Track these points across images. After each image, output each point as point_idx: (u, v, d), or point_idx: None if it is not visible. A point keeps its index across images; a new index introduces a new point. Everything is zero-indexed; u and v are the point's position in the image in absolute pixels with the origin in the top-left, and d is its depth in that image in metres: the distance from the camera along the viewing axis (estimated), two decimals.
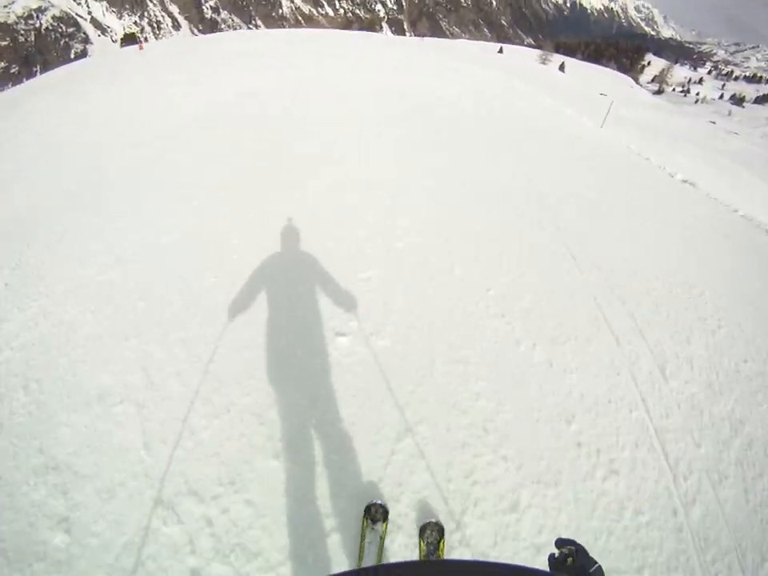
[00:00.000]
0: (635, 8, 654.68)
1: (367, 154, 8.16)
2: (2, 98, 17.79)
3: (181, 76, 16.11)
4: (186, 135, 9.19)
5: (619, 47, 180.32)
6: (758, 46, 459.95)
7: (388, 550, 2.66)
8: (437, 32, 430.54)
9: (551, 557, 1.24)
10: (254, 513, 2.69)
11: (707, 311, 5.05)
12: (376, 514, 2.74)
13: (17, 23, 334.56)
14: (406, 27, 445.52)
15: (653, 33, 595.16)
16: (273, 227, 5.44)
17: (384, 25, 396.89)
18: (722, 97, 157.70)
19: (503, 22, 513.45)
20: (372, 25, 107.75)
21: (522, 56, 66.05)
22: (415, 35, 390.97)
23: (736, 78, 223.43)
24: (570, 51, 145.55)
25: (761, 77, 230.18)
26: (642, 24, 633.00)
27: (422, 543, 2.67)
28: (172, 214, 5.79)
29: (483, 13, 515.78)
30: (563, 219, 6.57)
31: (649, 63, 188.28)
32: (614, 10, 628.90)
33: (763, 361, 4.51)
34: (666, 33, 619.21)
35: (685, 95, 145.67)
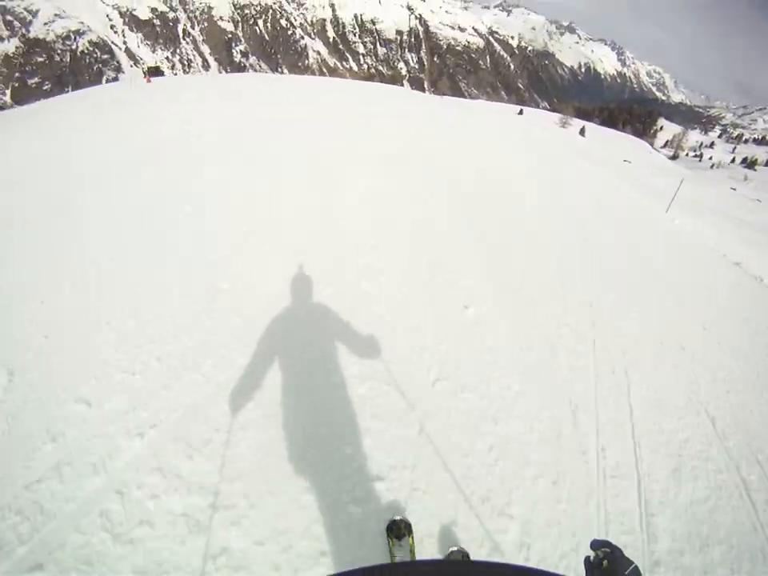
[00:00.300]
0: (647, 73, 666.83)
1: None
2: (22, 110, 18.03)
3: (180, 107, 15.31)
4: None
5: (632, 112, 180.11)
6: (765, 108, 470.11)
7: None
8: (456, 92, 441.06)
9: (587, 560, 1.22)
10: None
11: None
12: (398, 530, 2.70)
13: (54, 42, 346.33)
14: (426, 86, 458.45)
15: (663, 97, 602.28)
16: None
17: (405, 82, 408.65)
18: (733, 161, 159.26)
19: (520, 85, 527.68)
20: (394, 81, 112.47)
21: (542, 118, 65.16)
22: (434, 93, 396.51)
23: (746, 141, 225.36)
24: (585, 115, 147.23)
25: None
26: (654, 89, 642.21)
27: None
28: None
29: (501, 76, 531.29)
30: None
31: (661, 128, 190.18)
32: (627, 75, 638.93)
33: None
34: (676, 97, 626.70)
35: (699, 159, 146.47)
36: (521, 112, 67.54)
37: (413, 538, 2.69)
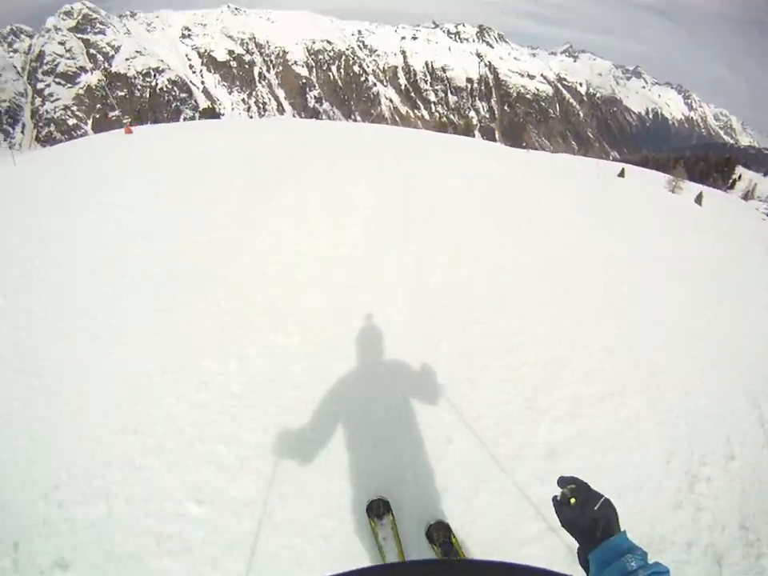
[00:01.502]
0: (714, 116, 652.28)
1: None
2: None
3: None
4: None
5: (709, 161, 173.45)
6: None
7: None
8: (525, 141, 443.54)
9: (554, 499, 1.18)
10: None
11: None
12: (378, 509, 2.78)
13: (135, 77, 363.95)
14: (497, 136, 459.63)
15: (732, 141, 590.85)
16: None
17: (476, 132, 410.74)
18: None
19: (590, 134, 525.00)
20: (467, 130, 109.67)
21: (648, 180, 55.55)
22: (508, 144, 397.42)
23: None
24: (660, 166, 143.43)
25: None
26: (721, 132, 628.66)
27: (435, 547, 2.69)
28: None
29: (571, 124, 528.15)
30: None
31: (740, 177, 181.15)
32: (694, 119, 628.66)
33: None
34: (745, 140, 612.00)
35: None
36: (622, 173, 56.98)
37: (393, 516, 2.79)
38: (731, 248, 11.84)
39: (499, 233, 7.91)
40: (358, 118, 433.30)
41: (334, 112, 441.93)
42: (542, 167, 19.99)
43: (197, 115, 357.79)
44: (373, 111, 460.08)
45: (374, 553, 2.69)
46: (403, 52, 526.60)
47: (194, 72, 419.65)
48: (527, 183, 13.54)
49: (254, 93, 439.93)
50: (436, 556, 2.63)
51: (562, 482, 1.18)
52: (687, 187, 62.31)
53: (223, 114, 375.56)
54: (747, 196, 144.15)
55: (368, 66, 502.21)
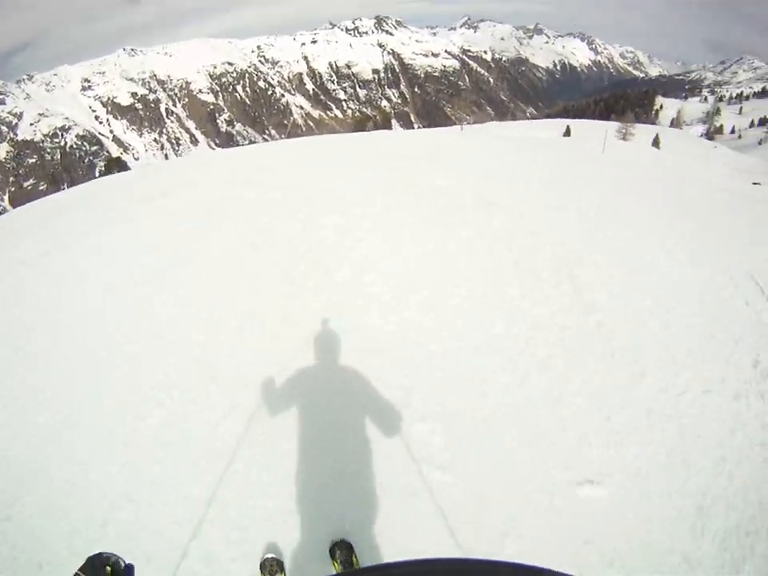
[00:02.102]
0: (620, 55, 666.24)
1: None
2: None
3: None
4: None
5: (628, 97, 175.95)
6: (741, 58, 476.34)
7: None
8: (441, 119, 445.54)
9: None
10: None
11: None
12: (273, 567, 2.75)
13: (43, 141, 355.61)
14: (413, 119, 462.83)
15: (642, 75, 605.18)
16: None
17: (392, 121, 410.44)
18: (752, 124, 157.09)
19: (503, 97, 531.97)
20: (386, 121, 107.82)
21: (594, 134, 51.74)
22: (424, 125, 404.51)
23: (747, 98, 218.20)
24: (580, 113, 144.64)
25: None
26: (630, 69, 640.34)
27: (336, 564, 2.74)
28: None
29: (483, 92, 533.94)
30: None
31: (661, 106, 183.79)
32: (601, 62, 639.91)
33: None
34: (654, 71, 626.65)
35: (739, 137, 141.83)
36: (567, 132, 54.67)
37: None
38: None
39: None
40: (273, 132, 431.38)
41: (246, 131, 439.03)
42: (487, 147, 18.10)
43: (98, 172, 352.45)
44: (286, 122, 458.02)
45: None
46: (305, 58, 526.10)
47: (100, 122, 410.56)
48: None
49: (164, 130, 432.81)
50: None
51: None
52: (638, 131, 61.33)
53: (137, 159, 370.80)
54: (674, 123, 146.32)
55: (273, 79, 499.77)
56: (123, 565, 1.79)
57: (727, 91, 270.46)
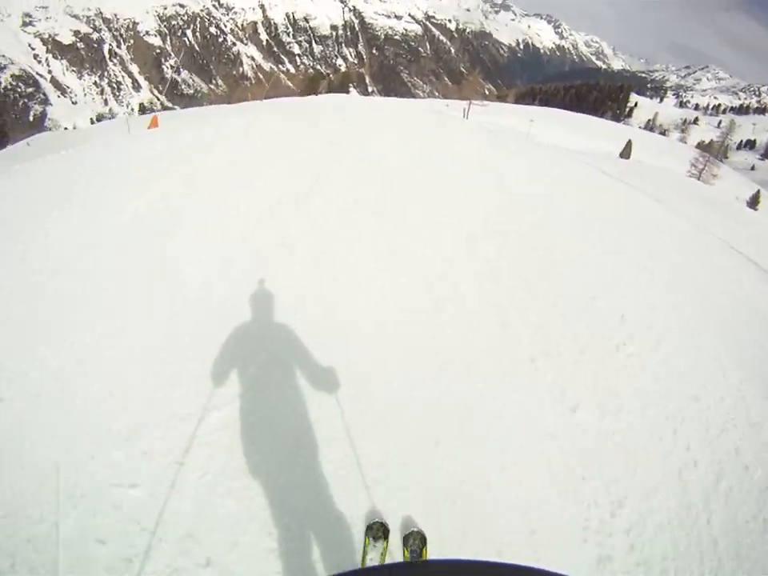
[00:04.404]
0: (585, 43, 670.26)
1: None
2: None
3: None
4: None
5: (602, 89, 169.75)
6: (707, 67, 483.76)
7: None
8: (397, 84, 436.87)
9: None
10: None
11: None
12: (378, 532, 2.83)
13: None
14: (367, 81, 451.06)
15: (604, 66, 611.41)
16: None
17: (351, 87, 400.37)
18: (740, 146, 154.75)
19: (462, 69, 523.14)
20: (344, 84, 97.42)
21: (660, 152, 43.66)
22: (382, 93, 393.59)
23: (724, 111, 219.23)
24: (549, 97, 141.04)
25: (747, 106, 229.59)
26: (593, 58, 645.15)
27: (405, 551, 2.82)
28: None
29: (443, 62, 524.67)
30: None
31: (636, 104, 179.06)
32: (565, 47, 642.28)
33: None
34: (617, 64, 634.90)
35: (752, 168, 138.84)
36: (628, 149, 50.09)
37: (387, 543, 2.86)
38: None
39: None
40: (220, 82, 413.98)
41: (193, 80, 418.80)
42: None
43: (48, 109, 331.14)
44: (235, 72, 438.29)
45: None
46: (262, 6, 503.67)
47: (39, 62, 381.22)
48: None
49: (105, 73, 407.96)
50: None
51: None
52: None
53: (75, 103, 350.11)
54: (650, 126, 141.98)
55: (225, 26, 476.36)
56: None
57: (692, 97, 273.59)
